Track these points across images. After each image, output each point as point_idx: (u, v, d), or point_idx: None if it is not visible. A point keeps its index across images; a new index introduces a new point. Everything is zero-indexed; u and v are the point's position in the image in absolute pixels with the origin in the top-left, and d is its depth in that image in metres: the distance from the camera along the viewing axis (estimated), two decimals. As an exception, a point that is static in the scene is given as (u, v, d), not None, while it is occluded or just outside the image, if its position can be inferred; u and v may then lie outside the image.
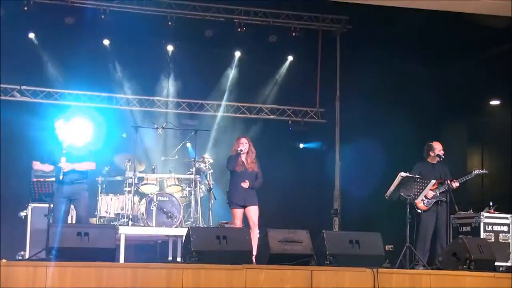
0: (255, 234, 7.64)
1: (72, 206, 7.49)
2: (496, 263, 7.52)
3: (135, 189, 9.35)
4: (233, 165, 7.76)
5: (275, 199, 10.67)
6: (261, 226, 8.03)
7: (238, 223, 7.76)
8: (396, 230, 9.41)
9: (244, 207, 7.77)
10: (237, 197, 7.73)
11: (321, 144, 12.74)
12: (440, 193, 8.23)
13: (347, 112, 12.28)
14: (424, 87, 12.11)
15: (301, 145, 12.53)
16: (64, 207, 7.32)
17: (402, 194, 7.60)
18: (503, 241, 8.89)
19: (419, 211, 8.07)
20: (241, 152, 7.81)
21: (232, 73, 12.24)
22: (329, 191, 12.14)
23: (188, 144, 10.52)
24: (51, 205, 7.28)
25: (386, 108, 12.03)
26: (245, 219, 8.15)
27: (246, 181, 7.77)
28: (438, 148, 8.44)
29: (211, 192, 9.90)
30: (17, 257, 8.51)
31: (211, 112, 12.23)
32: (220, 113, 12.22)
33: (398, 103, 12.00)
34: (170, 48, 11.79)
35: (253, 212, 7.83)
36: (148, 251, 10.53)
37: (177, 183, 9.88)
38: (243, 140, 7.98)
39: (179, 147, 10.43)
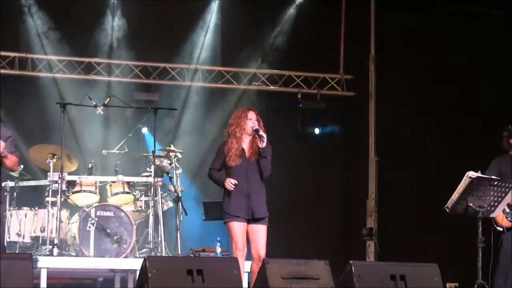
0: (256, 269, 7.53)
1: None
2: None
3: (62, 199, 9.30)
4: (233, 156, 7.58)
5: (277, 213, 10.61)
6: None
7: (241, 244, 7.54)
8: (462, 259, 9.38)
9: (247, 221, 7.61)
10: (236, 205, 7.58)
11: (347, 127, 12.73)
12: (529, 202, 8.21)
13: (387, 81, 12.27)
14: (502, 43, 12.09)
15: (317, 130, 12.50)
16: None
17: (471, 204, 7.56)
18: None
19: (499, 229, 8.05)
20: (254, 129, 7.57)
21: (210, 22, 12.18)
22: (360, 201, 12.14)
23: (145, 129, 10.44)
24: None
25: (445, 73, 12.02)
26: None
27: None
28: (523, 135, 8.39)
29: (180, 204, 9.88)
30: None
31: (179, 81, 12.19)
32: (193, 83, 12.18)
33: (461, 66, 11.99)
34: (115, -17, 11.79)
35: (260, 232, 7.58)
36: (84, 294, 10.51)
37: (127, 190, 9.85)
38: (253, 114, 7.71)
39: (129, 134, 10.38)
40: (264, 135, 7.51)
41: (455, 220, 8.27)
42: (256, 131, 7.56)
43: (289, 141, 11.97)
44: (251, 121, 7.62)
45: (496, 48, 12.15)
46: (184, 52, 12.15)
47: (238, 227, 7.49)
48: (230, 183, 7.46)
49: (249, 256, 7.59)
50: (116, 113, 11.26)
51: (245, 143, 7.63)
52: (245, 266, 7.66)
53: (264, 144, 7.52)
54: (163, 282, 6.17)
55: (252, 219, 7.55)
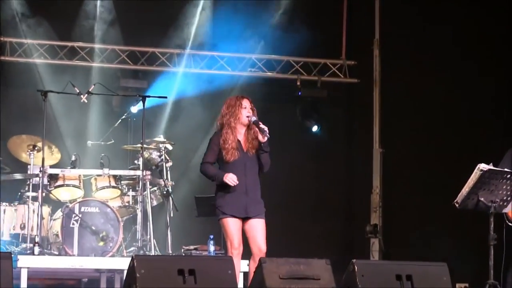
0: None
1: None
2: None
3: (44, 194, 9.28)
4: (231, 149, 7.54)
5: (275, 209, 10.63)
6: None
7: (237, 242, 7.48)
8: (472, 258, 9.40)
9: (244, 219, 7.61)
10: (232, 203, 7.57)
11: (349, 117, 12.73)
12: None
13: (392, 67, 12.26)
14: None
15: (315, 128, 12.50)
16: None
17: (482, 199, 7.58)
18: None
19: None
20: (253, 120, 7.51)
21: (201, 3, 12.17)
22: (364, 195, 12.16)
23: (134, 109, 10.48)
24: None
25: (455, 58, 11.99)
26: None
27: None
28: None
29: (170, 199, 9.89)
30: None
31: (169, 67, 12.19)
32: (183, 69, 12.17)
33: (473, 52, 11.96)
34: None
35: (258, 227, 7.55)
36: (67, 296, 10.53)
37: (113, 184, 9.86)
38: (247, 102, 7.69)
39: (115, 125, 10.39)
40: (266, 128, 7.47)
41: (465, 216, 8.28)
42: (256, 123, 7.51)
43: (287, 131, 11.95)
44: (246, 110, 7.57)
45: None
46: (175, 35, 12.13)
47: (233, 224, 7.47)
48: (233, 179, 7.41)
49: (244, 255, 7.59)
50: (102, 101, 11.25)
51: (240, 135, 7.58)
52: (241, 266, 7.67)
53: (266, 138, 7.49)
54: (152, 282, 6.16)
55: (248, 217, 7.53)
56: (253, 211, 7.53)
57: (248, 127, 7.58)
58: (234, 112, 7.57)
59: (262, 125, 7.48)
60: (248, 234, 7.54)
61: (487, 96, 11.83)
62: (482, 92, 11.83)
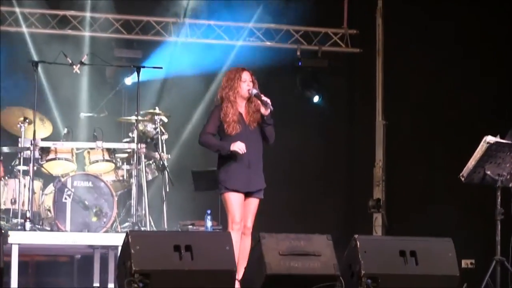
0: (245, 246, 7.59)
1: None
2: None
3: (35, 168, 9.26)
4: (232, 122, 7.53)
5: (275, 184, 10.60)
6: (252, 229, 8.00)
7: (238, 216, 7.52)
8: (479, 234, 9.38)
9: (245, 194, 7.64)
10: (236, 177, 7.55)
11: (351, 88, 12.71)
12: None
13: (396, 36, 12.21)
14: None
15: (316, 99, 12.48)
16: None
17: (488, 172, 7.59)
18: None
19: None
20: (253, 93, 7.51)
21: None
22: (366, 169, 12.15)
23: (128, 80, 10.41)
24: None
25: (462, 27, 11.92)
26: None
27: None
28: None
29: (166, 173, 9.88)
30: None
31: (165, 36, 12.14)
32: (179, 38, 12.13)
33: (481, 23, 11.87)
34: None
35: (252, 204, 7.67)
36: (60, 273, 10.55)
37: (107, 157, 9.84)
38: (247, 75, 7.68)
39: (110, 96, 10.37)
40: (268, 101, 7.46)
41: (471, 190, 8.26)
42: (258, 96, 7.52)
43: (286, 103, 11.89)
44: (245, 83, 7.58)
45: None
46: (170, 3, 12.08)
47: (235, 199, 7.52)
48: (242, 147, 7.37)
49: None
50: (95, 72, 11.22)
51: (241, 108, 7.61)
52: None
53: (269, 111, 7.48)
54: (147, 259, 6.17)
55: (249, 193, 7.58)
56: (255, 184, 7.58)
57: (249, 100, 7.60)
58: (233, 86, 7.59)
59: (264, 98, 7.47)
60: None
61: (494, 68, 11.74)
62: (490, 64, 11.75)
